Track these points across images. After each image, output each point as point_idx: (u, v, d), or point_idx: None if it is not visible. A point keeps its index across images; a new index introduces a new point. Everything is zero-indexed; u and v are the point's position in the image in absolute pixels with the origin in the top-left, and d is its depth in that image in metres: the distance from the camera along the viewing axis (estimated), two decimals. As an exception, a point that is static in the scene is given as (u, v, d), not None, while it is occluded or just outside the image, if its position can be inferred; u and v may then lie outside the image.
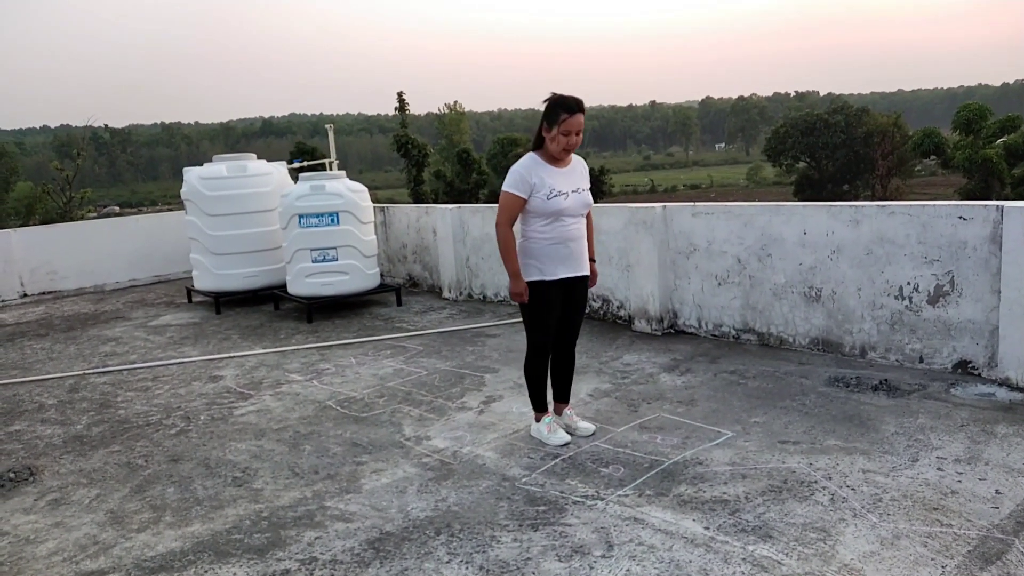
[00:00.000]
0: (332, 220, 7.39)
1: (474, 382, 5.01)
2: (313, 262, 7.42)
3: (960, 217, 4.37)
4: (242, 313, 7.91)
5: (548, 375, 3.89)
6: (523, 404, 4.50)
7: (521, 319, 3.92)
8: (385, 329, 6.76)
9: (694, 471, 3.47)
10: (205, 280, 8.25)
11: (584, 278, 3.82)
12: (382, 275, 8.48)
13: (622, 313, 6.34)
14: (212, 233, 8.03)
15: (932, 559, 2.63)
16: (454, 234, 7.74)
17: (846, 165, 50.82)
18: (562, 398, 4.03)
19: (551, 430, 3.87)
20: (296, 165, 12.29)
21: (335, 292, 7.46)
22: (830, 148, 50.79)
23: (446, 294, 7.96)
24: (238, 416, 4.67)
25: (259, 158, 8.62)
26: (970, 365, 4.45)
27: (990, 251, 4.26)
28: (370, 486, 3.54)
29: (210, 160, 8.48)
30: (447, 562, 2.83)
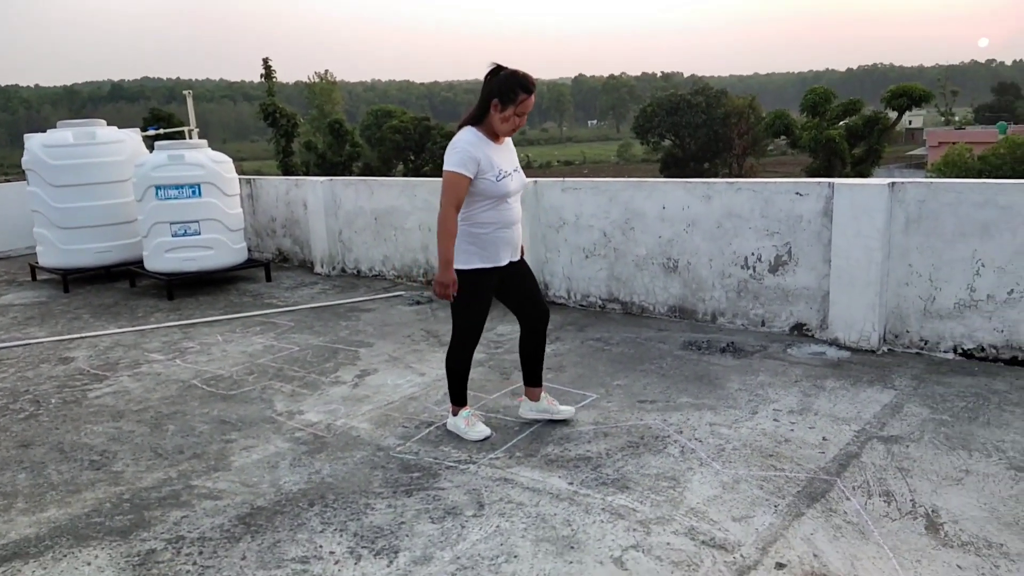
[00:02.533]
0: (193, 192, 7.05)
1: (348, 356, 5.00)
2: (173, 236, 7.06)
3: (797, 193, 4.80)
4: (93, 291, 7.42)
5: (470, 369, 3.64)
6: (398, 376, 4.56)
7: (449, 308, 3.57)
8: (254, 305, 6.57)
9: (561, 432, 3.66)
10: (51, 256, 7.66)
11: (521, 259, 3.62)
12: (250, 250, 8.19)
13: (495, 285, 6.49)
14: (58, 205, 7.45)
15: (766, 499, 2.94)
16: (326, 207, 7.60)
17: (707, 144, 53.62)
18: (535, 381, 3.74)
19: (469, 424, 3.62)
20: (151, 133, 11.56)
21: (198, 268, 7.15)
22: (692, 127, 53.38)
23: (318, 269, 7.82)
24: (93, 399, 4.43)
25: (109, 124, 8.04)
26: (805, 327, 4.93)
27: (822, 224, 4.71)
28: (240, 463, 3.49)
29: (54, 126, 7.83)
30: (321, 531, 2.86)
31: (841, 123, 32.14)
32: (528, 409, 3.79)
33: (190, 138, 8.11)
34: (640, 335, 5.20)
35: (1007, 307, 4.15)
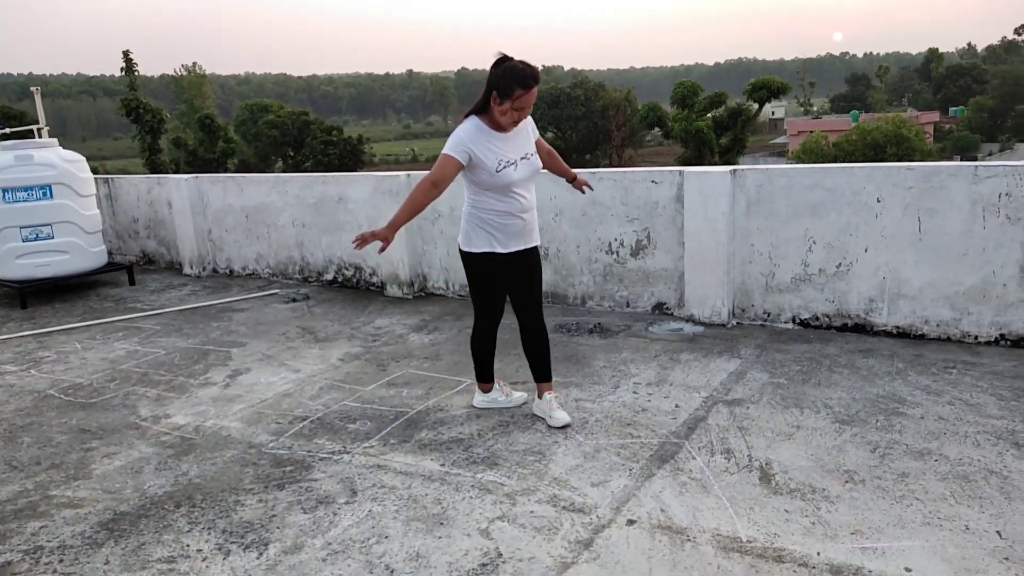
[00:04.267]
0: (44, 194, 6.63)
1: (219, 357, 4.89)
2: (24, 241, 6.62)
3: (652, 181, 5.11)
4: (-66, 303, 6.84)
5: (495, 349, 3.71)
6: (271, 374, 4.52)
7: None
8: (116, 310, 6.27)
9: (435, 417, 3.77)
10: None
11: (534, 249, 3.54)
12: (110, 253, 7.79)
13: (374, 280, 6.51)
14: None
15: (623, 464, 3.17)
16: (192, 206, 7.33)
17: (587, 136, 55.09)
18: (544, 377, 3.66)
19: (506, 394, 3.78)
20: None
21: (53, 273, 6.74)
22: (573, 120, 54.66)
23: (187, 270, 7.54)
24: (-65, 416, 4.13)
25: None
26: (665, 306, 5.26)
27: (676, 209, 5.04)
28: (101, 471, 3.38)
29: None
30: (188, 531, 2.84)
31: (708, 115, 33.88)
32: (535, 406, 3.71)
33: (39, 137, 7.57)
34: (515, 321, 5.35)
35: (836, 279, 4.61)
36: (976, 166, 4.13)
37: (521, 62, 3.18)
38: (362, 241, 3.21)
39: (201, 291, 6.83)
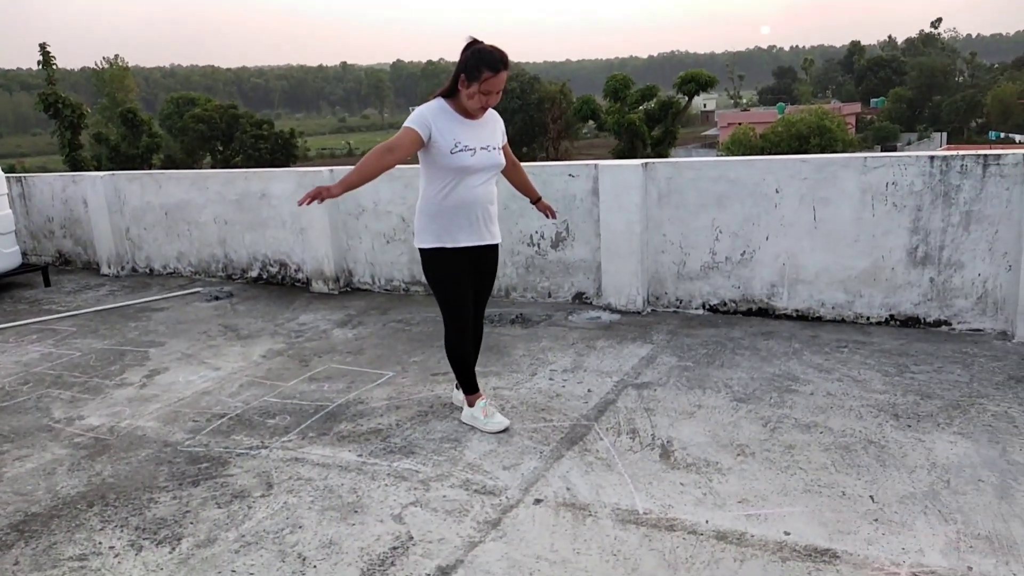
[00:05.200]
0: (-51, 193, 6.37)
1: (136, 358, 4.83)
2: (-73, 243, 6.35)
3: (570, 175, 5.26)
4: None
5: (472, 355, 3.53)
6: (190, 373, 4.50)
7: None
8: (30, 312, 6.10)
9: (355, 409, 3.84)
10: None
11: (494, 247, 3.44)
12: (25, 254, 7.54)
13: (300, 276, 6.49)
14: None
15: (534, 447, 3.30)
16: (109, 204, 7.16)
17: (524, 128, 55.28)
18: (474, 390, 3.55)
19: (487, 414, 3.48)
20: None
21: (-38, 276, 6.49)
22: (509, 113, 54.74)
23: (105, 270, 7.36)
24: None
25: None
26: (584, 296, 5.43)
27: (592, 202, 5.21)
28: (12, 474, 3.33)
29: None
30: (100, 529, 2.84)
31: (640, 107, 34.50)
32: (464, 415, 3.58)
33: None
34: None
35: (741, 267, 4.85)
36: (865, 157, 4.41)
37: (491, 45, 3.13)
38: (309, 199, 3.01)
39: (119, 291, 6.69)
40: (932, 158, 4.26)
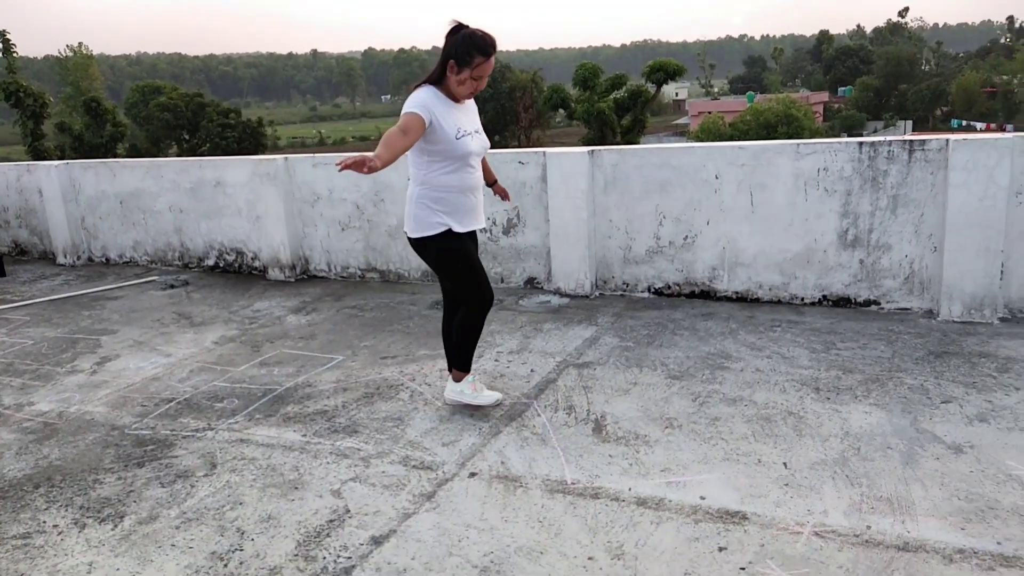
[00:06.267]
0: None
1: (88, 345, 4.87)
2: None
3: (520, 162, 5.37)
4: None
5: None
6: (141, 360, 4.55)
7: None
8: (-17, 303, 6.08)
9: (303, 392, 3.93)
10: None
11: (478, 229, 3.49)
12: (-22, 244, 7.47)
13: (256, 264, 6.53)
14: None
15: (474, 425, 3.42)
16: (64, 194, 7.13)
17: (495, 117, 55.23)
18: (456, 363, 3.58)
19: (476, 388, 3.56)
20: None
21: (-88, 267, 6.44)
22: (480, 101, 54.33)
23: (61, 260, 7.33)
24: None
25: None
26: (536, 280, 5.56)
27: (541, 189, 5.32)
28: (-42, 459, 3.38)
29: None
30: (45, 509, 2.91)
31: (610, 96, 34.66)
32: (449, 390, 3.61)
33: None
34: (394, 300, 5.56)
35: (684, 251, 5.00)
36: (798, 143, 4.57)
37: (479, 30, 3.10)
38: (346, 166, 2.78)
39: (75, 280, 6.68)
40: (861, 144, 4.44)
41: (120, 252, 7.19)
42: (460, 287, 3.38)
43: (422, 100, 3.10)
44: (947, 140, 4.25)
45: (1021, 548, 2.35)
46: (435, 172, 3.20)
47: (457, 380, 3.58)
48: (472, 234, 3.43)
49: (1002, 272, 4.24)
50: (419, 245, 3.34)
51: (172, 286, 6.22)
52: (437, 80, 3.17)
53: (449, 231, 3.26)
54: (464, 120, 3.22)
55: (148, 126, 43.68)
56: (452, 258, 3.31)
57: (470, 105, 3.33)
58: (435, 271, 3.47)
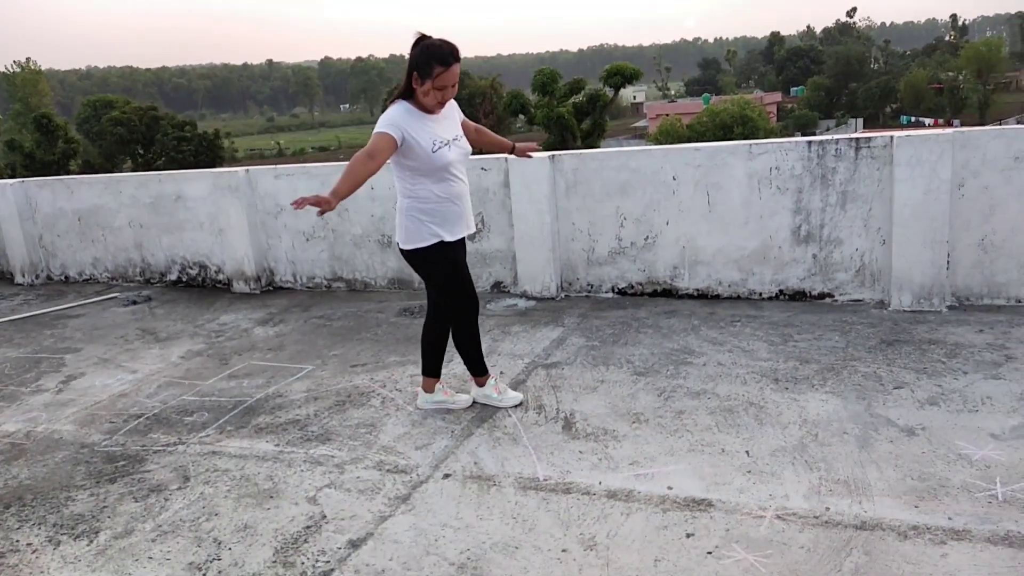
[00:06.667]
0: None
1: (52, 364, 4.81)
2: None
3: (482, 168, 5.44)
4: None
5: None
6: (107, 377, 4.51)
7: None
8: (-62, 325, 5.94)
9: (274, 403, 3.94)
10: None
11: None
12: (-69, 266, 7.29)
13: (220, 277, 6.50)
14: None
15: (446, 428, 3.48)
16: (20, 212, 7.00)
17: (456, 124, 55.25)
18: (477, 370, 3.66)
19: (449, 394, 3.66)
20: None
21: None
22: (441, 108, 54.59)
23: (19, 279, 7.19)
24: None
25: None
26: (502, 284, 5.63)
27: (504, 194, 5.41)
28: (-78, 484, 3.33)
29: None
30: (18, 528, 2.89)
31: (569, 101, 34.94)
32: (476, 394, 3.69)
33: None
34: (361, 308, 5.59)
35: (645, 251, 5.13)
36: (750, 144, 4.73)
37: (440, 39, 3.11)
38: (302, 202, 2.91)
39: (34, 300, 6.57)
40: (810, 143, 4.61)
41: (80, 270, 7.08)
42: (447, 297, 3.47)
43: (392, 118, 3.14)
44: (891, 137, 4.44)
45: (971, 522, 2.49)
46: (420, 185, 3.26)
47: (481, 385, 3.67)
48: (461, 240, 3.46)
49: (948, 262, 4.44)
50: (410, 256, 3.40)
51: (135, 302, 6.15)
52: (408, 94, 3.19)
53: (441, 243, 3.32)
54: (440, 130, 3.24)
55: (101, 141, 42.79)
56: (443, 271, 3.39)
57: (448, 113, 3.32)
58: (424, 280, 3.54)
